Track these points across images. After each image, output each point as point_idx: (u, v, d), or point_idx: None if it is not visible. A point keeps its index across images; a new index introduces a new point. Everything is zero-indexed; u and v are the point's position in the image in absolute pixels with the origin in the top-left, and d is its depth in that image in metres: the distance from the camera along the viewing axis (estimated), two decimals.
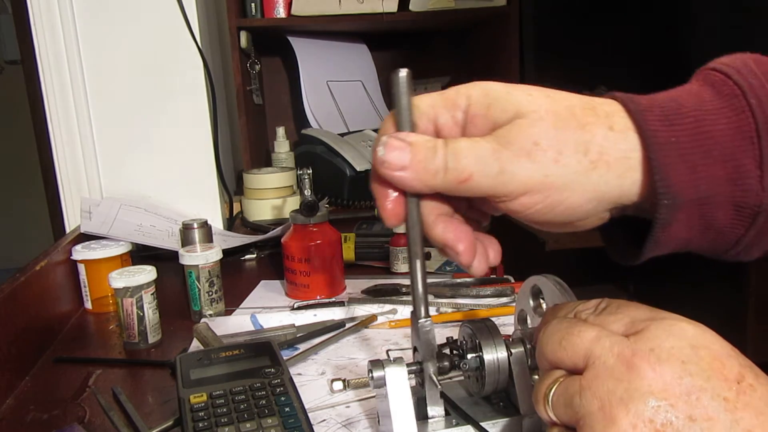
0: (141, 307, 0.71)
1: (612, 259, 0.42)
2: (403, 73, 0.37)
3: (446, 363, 0.45)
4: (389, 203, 0.39)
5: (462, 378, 0.51)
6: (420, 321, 0.42)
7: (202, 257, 0.77)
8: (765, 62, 0.38)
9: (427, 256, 0.96)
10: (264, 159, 1.65)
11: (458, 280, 0.85)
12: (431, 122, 0.39)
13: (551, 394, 0.34)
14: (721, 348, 0.31)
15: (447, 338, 0.48)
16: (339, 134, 1.48)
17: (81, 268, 0.85)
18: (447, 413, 0.47)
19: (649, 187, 0.36)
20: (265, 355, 0.56)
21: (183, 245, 0.89)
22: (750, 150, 0.35)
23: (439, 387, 0.45)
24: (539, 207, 0.37)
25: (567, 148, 0.35)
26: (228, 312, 0.81)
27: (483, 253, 0.40)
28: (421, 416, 0.46)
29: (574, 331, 0.34)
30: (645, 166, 0.36)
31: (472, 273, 0.40)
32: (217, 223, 1.17)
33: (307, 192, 0.83)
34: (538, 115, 0.36)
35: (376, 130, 1.49)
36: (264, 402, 0.49)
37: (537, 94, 0.37)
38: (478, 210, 0.42)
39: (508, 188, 0.36)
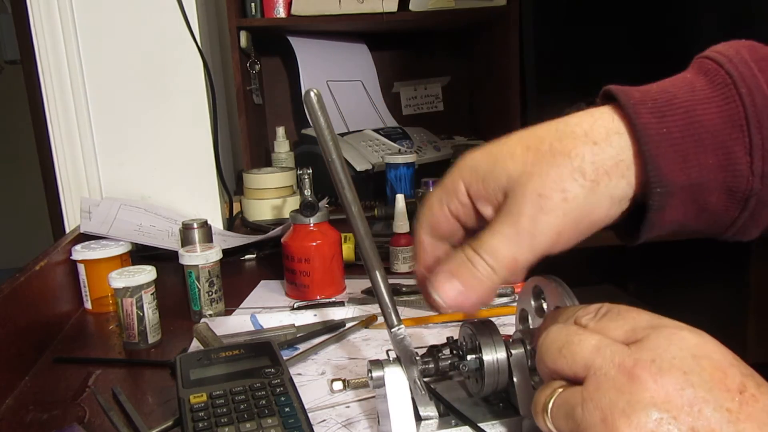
0: (141, 307, 0.71)
1: (619, 239, 0.44)
2: (314, 92, 0.39)
3: (431, 365, 0.45)
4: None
5: (462, 378, 0.51)
6: (393, 330, 0.43)
7: (202, 257, 0.77)
8: (758, 49, 0.39)
9: None
10: (264, 159, 1.65)
11: None
12: (449, 216, 0.43)
13: (550, 404, 0.34)
14: (723, 357, 0.31)
15: (447, 338, 0.48)
16: (339, 134, 1.48)
17: (81, 268, 0.85)
18: (446, 413, 0.47)
19: (644, 176, 0.38)
20: (265, 355, 0.56)
21: (183, 245, 0.89)
22: (740, 138, 0.37)
23: (424, 392, 0.45)
24: (573, 238, 0.40)
25: (566, 182, 0.38)
26: (228, 312, 0.80)
27: None
28: (420, 416, 0.46)
29: (574, 340, 0.34)
30: (638, 157, 0.38)
31: None
32: (217, 223, 1.17)
33: (307, 192, 0.83)
34: (526, 170, 0.38)
35: (376, 130, 1.49)
36: (264, 402, 0.49)
37: (517, 149, 0.40)
38: None
39: (544, 246, 0.38)
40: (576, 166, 0.38)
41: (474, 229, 0.44)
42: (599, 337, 0.33)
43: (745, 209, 0.38)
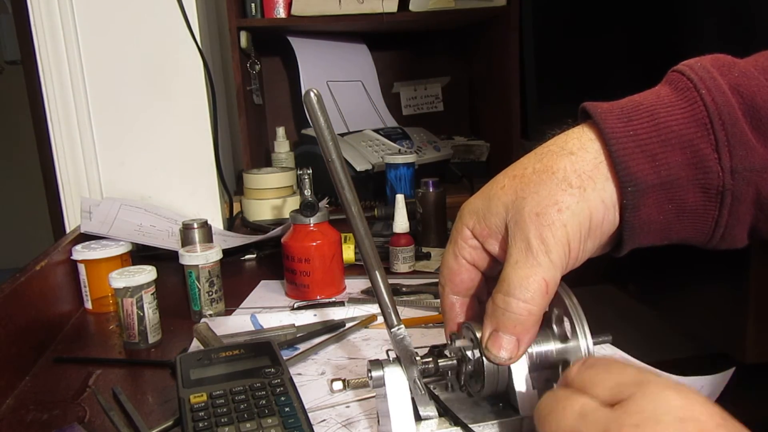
0: (141, 307, 0.71)
1: (608, 250, 0.45)
2: (314, 92, 0.39)
3: (431, 365, 0.45)
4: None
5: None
6: (393, 330, 0.43)
7: (202, 257, 0.77)
8: (722, 59, 0.42)
9: (426, 256, 0.96)
10: (264, 159, 1.65)
11: None
12: (466, 264, 0.45)
13: None
14: (709, 418, 0.30)
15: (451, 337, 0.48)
16: (339, 134, 1.48)
17: (81, 268, 0.85)
18: (446, 413, 0.47)
19: (617, 177, 0.40)
20: (265, 355, 0.56)
21: (183, 245, 0.89)
22: (705, 136, 0.39)
23: (423, 391, 0.45)
24: (587, 248, 0.41)
25: (557, 195, 0.40)
26: (228, 312, 0.81)
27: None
28: (420, 416, 0.46)
29: (558, 407, 0.33)
30: (609, 159, 0.40)
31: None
32: (217, 223, 1.17)
33: (307, 192, 0.83)
34: (518, 195, 0.41)
35: (376, 130, 1.49)
36: (264, 402, 0.49)
37: (505, 181, 0.43)
38: None
39: (561, 259, 0.40)
40: (561, 178, 0.40)
41: (491, 274, 0.46)
42: (583, 402, 0.33)
43: (722, 206, 0.40)
